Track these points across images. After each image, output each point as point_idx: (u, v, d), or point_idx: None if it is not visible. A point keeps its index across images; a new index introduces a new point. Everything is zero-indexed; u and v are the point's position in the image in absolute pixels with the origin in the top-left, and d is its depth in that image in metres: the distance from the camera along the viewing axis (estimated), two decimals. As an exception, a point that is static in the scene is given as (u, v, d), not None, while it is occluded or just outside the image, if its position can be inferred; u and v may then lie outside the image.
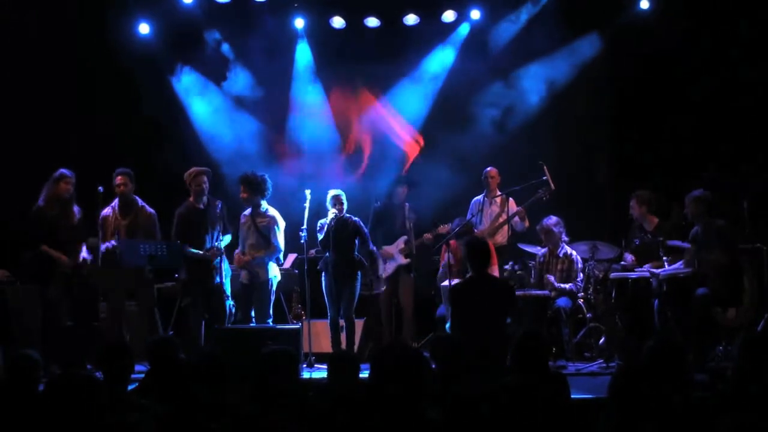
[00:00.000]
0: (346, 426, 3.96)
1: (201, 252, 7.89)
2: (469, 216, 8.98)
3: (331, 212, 8.09)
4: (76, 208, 7.89)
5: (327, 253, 8.17)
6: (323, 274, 8.21)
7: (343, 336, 8.20)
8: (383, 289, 8.78)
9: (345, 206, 8.19)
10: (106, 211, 7.97)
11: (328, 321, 8.25)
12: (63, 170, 7.86)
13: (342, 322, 8.21)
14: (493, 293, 6.42)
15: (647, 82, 9.73)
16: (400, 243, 8.67)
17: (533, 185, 8.72)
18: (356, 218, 8.28)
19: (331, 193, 8.22)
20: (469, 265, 6.60)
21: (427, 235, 8.64)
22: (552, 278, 8.16)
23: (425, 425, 3.83)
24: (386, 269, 8.68)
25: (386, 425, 3.82)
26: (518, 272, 8.39)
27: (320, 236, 8.16)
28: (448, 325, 6.80)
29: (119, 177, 7.93)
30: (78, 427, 3.58)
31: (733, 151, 9.25)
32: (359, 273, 8.22)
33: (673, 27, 9.43)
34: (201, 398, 4.14)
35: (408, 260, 8.64)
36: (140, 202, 8.08)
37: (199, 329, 7.95)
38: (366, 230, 8.28)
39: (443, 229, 8.53)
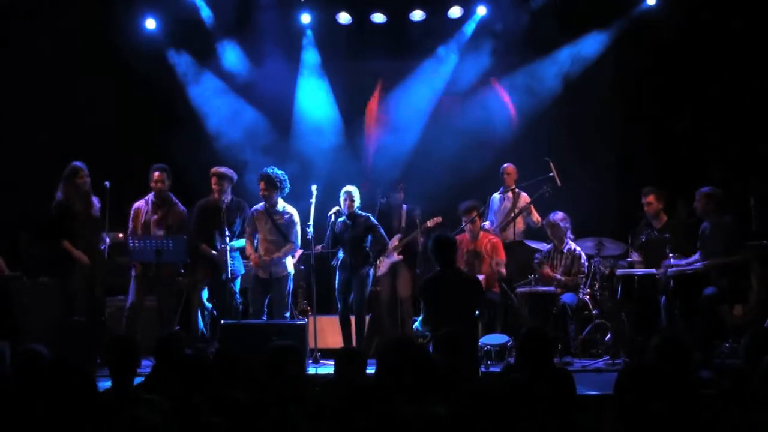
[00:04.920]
0: (352, 421, 3.96)
1: (213, 252, 7.97)
2: (489, 213, 9.01)
3: (333, 210, 8.15)
4: (95, 199, 7.92)
5: (340, 251, 8.21)
6: (337, 270, 8.25)
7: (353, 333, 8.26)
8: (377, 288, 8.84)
9: (357, 203, 8.22)
10: (139, 203, 8.05)
11: (339, 317, 8.28)
12: (76, 163, 7.89)
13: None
14: (461, 287, 6.52)
15: (654, 79, 9.70)
16: (394, 241, 8.69)
17: (539, 181, 8.73)
18: (367, 214, 8.32)
19: (344, 189, 8.26)
20: (436, 260, 6.67)
21: (415, 235, 8.63)
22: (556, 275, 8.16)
23: (431, 420, 3.83)
24: (381, 267, 8.69)
25: (392, 421, 3.83)
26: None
27: (327, 235, 8.21)
28: (418, 321, 6.85)
29: (157, 173, 8.00)
30: (70, 419, 3.60)
31: (740, 147, 9.22)
32: (371, 269, 8.25)
33: (680, 23, 9.41)
34: (206, 393, 4.15)
35: (401, 257, 8.66)
36: (174, 198, 8.13)
37: (205, 325, 7.99)
38: (378, 225, 8.31)
39: (432, 222, 8.55)
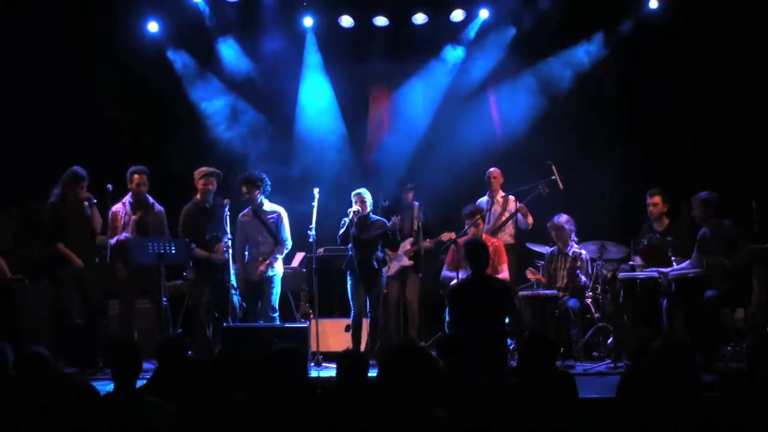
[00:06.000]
0: (354, 425, 3.96)
1: (207, 253, 7.95)
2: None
3: (353, 209, 8.13)
4: (86, 205, 7.90)
5: (350, 252, 8.20)
6: (348, 273, 8.24)
7: (364, 335, 8.26)
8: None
9: (368, 204, 8.22)
10: (117, 207, 8.02)
11: (351, 320, 8.28)
12: (77, 170, 7.88)
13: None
14: (490, 293, 6.46)
15: (657, 82, 9.71)
16: (406, 244, 8.67)
17: (540, 184, 8.73)
18: (383, 219, 8.31)
19: (355, 191, 8.25)
20: (468, 265, 6.64)
21: (426, 243, 8.61)
22: (579, 273, 8.13)
23: (433, 424, 3.83)
24: (390, 269, 8.69)
25: (394, 424, 3.83)
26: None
27: (341, 231, 8.19)
28: (446, 324, 6.81)
29: (137, 175, 7.98)
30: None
31: (742, 150, 9.21)
32: (384, 271, 8.26)
33: (683, 25, 9.42)
34: (210, 396, 4.15)
35: (411, 262, 8.65)
36: (151, 199, 8.13)
37: (207, 327, 7.99)
38: (392, 233, 8.27)
39: (445, 236, 8.52)
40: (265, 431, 3.95)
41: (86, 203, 7.88)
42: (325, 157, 10.00)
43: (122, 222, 8.00)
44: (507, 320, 6.62)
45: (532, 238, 8.93)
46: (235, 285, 8.01)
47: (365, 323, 8.29)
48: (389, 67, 10.17)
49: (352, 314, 8.28)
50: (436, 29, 10.09)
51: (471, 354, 4.91)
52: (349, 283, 8.27)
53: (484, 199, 9.17)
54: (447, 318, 6.61)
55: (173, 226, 8.19)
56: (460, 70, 10.20)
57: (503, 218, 8.96)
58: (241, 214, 8.19)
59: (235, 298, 8.00)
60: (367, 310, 8.22)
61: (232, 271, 7.91)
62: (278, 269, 8.13)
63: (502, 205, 9.04)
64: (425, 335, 8.51)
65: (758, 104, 9.23)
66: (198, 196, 8.10)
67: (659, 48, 9.62)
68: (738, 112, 9.31)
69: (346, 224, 8.14)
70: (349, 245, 8.18)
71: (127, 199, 8.05)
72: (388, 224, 8.25)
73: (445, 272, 8.47)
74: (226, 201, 8.04)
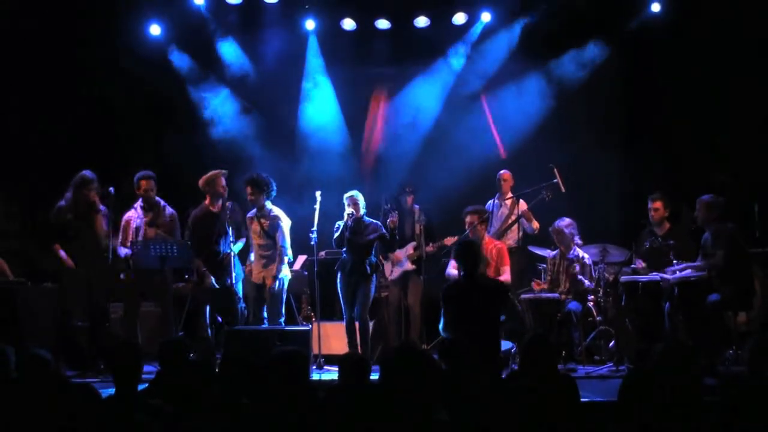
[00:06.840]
0: (356, 428, 3.96)
1: (204, 269, 7.92)
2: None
3: (347, 212, 8.11)
4: (102, 208, 7.91)
5: (344, 254, 8.19)
6: (338, 274, 8.23)
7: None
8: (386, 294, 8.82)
9: (361, 207, 8.20)
10: (129, 213, 8.03)
11: (345, 322, 8.27)
12: (85, 173, 7.88)
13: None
14: (485, 293, 6.46)
15: (658, 86, 9.71)
16: (409, 248, 8.66)
17: (543, 188, 8.73)
18: (376, 221, 8.29)
19: (347, 194, 8.23)
20: (460, 266, 6.64)
21: (429, 248, 8.59)
22: (582, 278, 8.12)
23: (434, 427, 3.83)
24: (393, 273, 8.68)
25: (395, 427, 3.83)
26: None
27: (336, 234, 8.18)
28: (440, 325, 6.80)
29: (145, 181, 7.98)
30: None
31: (744, 154, 9.21)
32: (374, 275, 8.24)
33: (685, 28, 9.42)
34: (211, 398, 4.15)
35: (414, 266, 8.63)
36: (162, 202, 8.14)
37: (208, 331, 8.00)
38: (387, 234, 8.24)
39: (449, 240, 8.51)
40: (267, 434, 3.95)
41: (101, 206, 7.89)
42: (327, 159, 10.00)
43: (134, 225, 7.99)
44: (502, 318, 6.63)
45: (535, 242, 8.93)
46: (240, 293, 8.01)
47: (358, 325, 8.28)
48: (391, 70, 10.18)
49: (344, 317, 8.26)
50: (438, 32, 10.10)
51: (470, 356, 4.91)
52: (338, 285, 8.24)
53: (493, 201, 9.16)
54: (441, 319, 6.61)
55: (182, 229, 8.20)
56: (462, 73, 10.21)
57: (509, 221, 8.95)
58: (248, 214, 8.20)
59: (240, 304, 8.00)
60: (356, 313, 8.17)
61: (234, 275, 7.89)
62: (283, 272, 8.09)
63: (509, 207, 9.03)
64: (427, 339, 8.50)
65: (760, 106, 9.23)
66: (207, 200, 8.11)
67: (662, 50, 9.62)
68: (740, 115, 9.31)
69: (341, 227, 8.14)
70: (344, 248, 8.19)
71: (138, 204, 8.07)
72: (382, 228, 8.21)
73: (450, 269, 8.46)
74: (228, 203, 8.04)
